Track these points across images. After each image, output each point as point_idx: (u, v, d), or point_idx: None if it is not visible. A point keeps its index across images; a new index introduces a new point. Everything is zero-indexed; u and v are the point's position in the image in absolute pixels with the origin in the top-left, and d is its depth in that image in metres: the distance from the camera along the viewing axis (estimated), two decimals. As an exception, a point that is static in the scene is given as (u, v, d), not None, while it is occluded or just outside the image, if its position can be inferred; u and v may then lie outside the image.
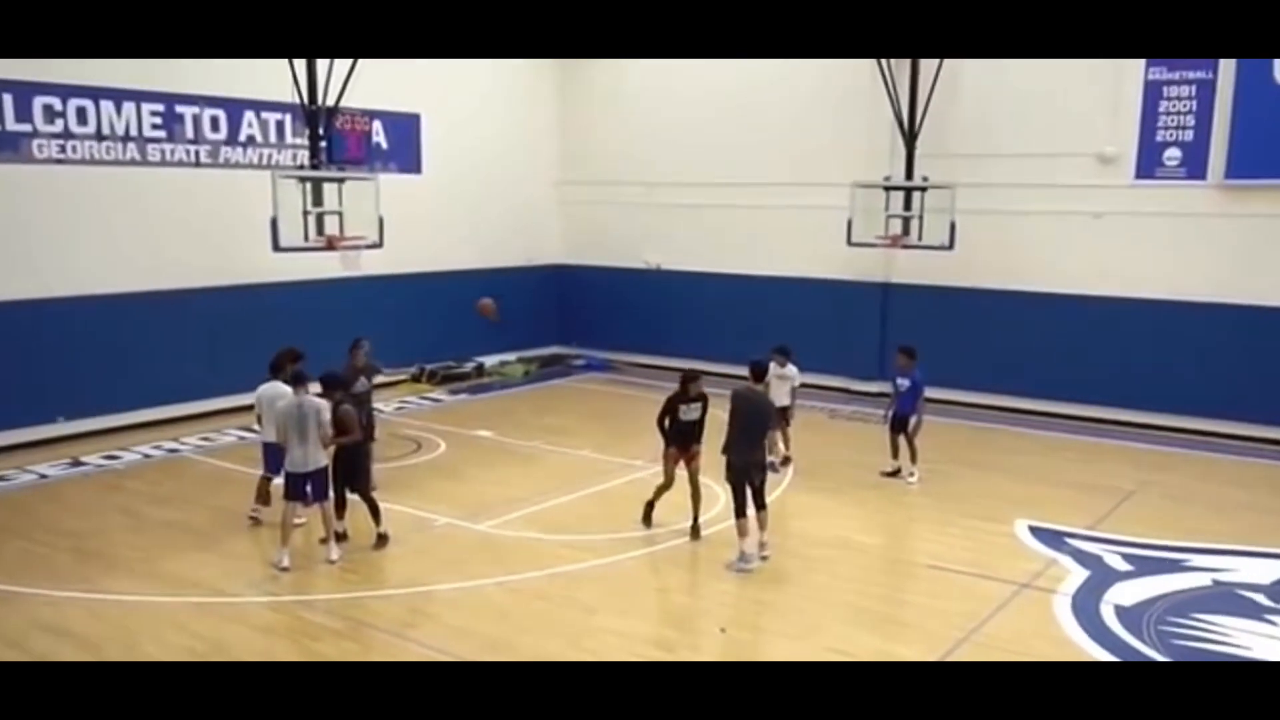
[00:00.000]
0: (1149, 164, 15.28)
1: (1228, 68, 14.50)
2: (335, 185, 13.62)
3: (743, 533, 9.65)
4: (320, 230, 13.46)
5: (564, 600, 8.98)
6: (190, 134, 15.02)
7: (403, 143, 18.07)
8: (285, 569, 9.47)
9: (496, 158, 19.65)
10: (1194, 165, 14.96)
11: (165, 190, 14.72)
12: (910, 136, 16.27)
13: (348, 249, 13.76)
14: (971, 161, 16.05)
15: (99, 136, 14.03)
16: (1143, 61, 15.00)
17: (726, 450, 9.75)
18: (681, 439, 10.34)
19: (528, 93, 20.24)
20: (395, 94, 17.21)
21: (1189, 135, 14.96)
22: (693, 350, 16.71)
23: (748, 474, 9.67)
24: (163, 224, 14.73)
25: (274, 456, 10.27)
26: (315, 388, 9.89)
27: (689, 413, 10.31)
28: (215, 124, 15.32)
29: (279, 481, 10.16)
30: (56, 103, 13.56)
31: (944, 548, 10.39)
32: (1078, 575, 9.64)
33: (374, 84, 15.21)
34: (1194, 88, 14.83)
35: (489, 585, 9.27)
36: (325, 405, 9.68)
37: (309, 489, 9.74)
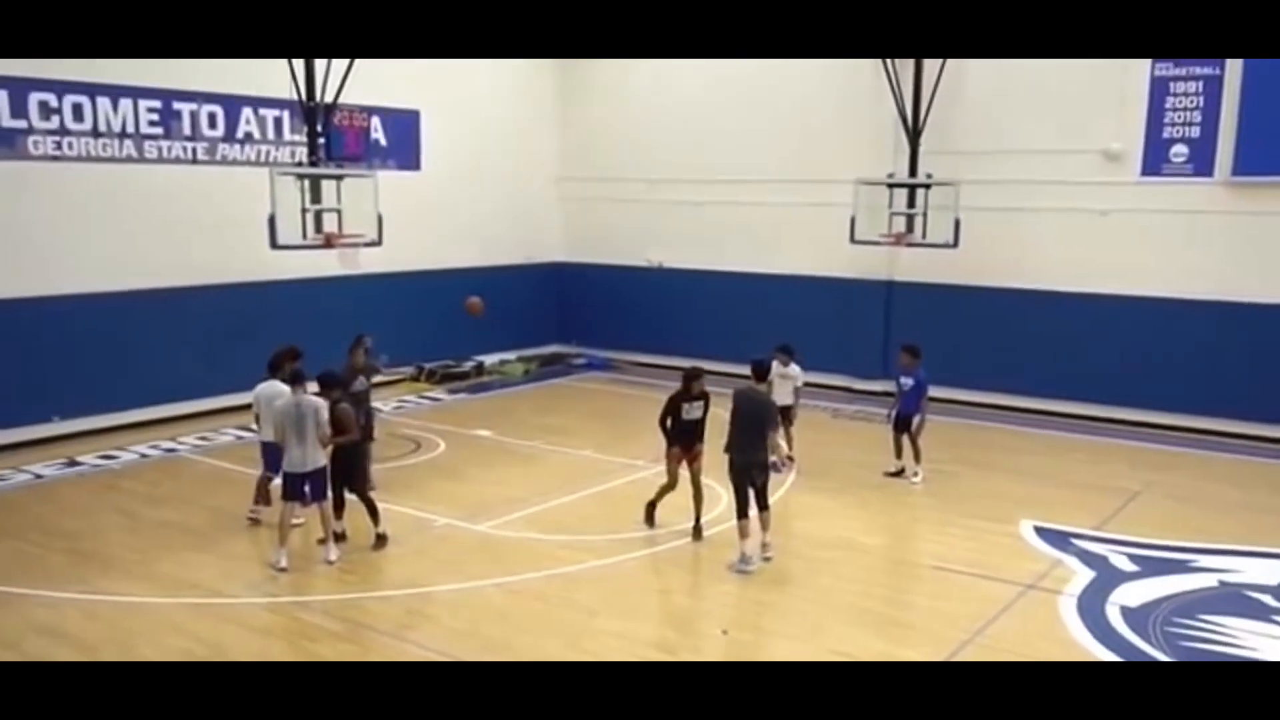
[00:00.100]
0: (1155, 161, 15.26)
1: (1235, 64, 14.49)
2: (334, 182, 13.61)
3: (744, 534, 9.64)
4: (319, 228, 13.45)
5: (564, 601, 8.97)
6: (187, 130, 15.02)
7: (402, 139, 18.06)
8: (283, 570, 9.47)
9: (496, 154, 19.64)
10: (1201, 162, 14.94)
11: (162, 187, 14.71)
12: (914, 133, 16.25)
13: (346, 247, 13.75)
14: (976, 158, 16.03)
15: (95, 133, 14.03)
16: (1149, 57, 15.01)
17: (728, 450, 9.76)
18: (684, 438, 10.33)
19: (528, 89, 20.22)
20: (394, 90, 17.20)
21: (1196, 132, 14.94)
22: (694, 349, 16.68)
23: (749, 474, 9.66)
24: (160, 221, 14.72)
25: (273, 456, 10.25)
26: (314, 387, 9.88)
27: (691, 411, 10.30)
28: (213, 120, 15.31)
29: (279, 481, 10.15)
30: (52, 99, 13.56)
31: (948, 548, 10.38)
32: (1083, 576, 9.64)
33: (373, 80, 15.20)
34: (1201, 84, 14.81)
35: (488, 586, 9.26)
36: (324, 405, 9.68)
37: (307, 489, 9.75)
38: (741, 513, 9.65)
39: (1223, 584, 9.54)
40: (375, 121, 17.58)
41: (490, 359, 19.69)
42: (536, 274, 20.87)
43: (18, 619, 8.45)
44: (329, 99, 13.78)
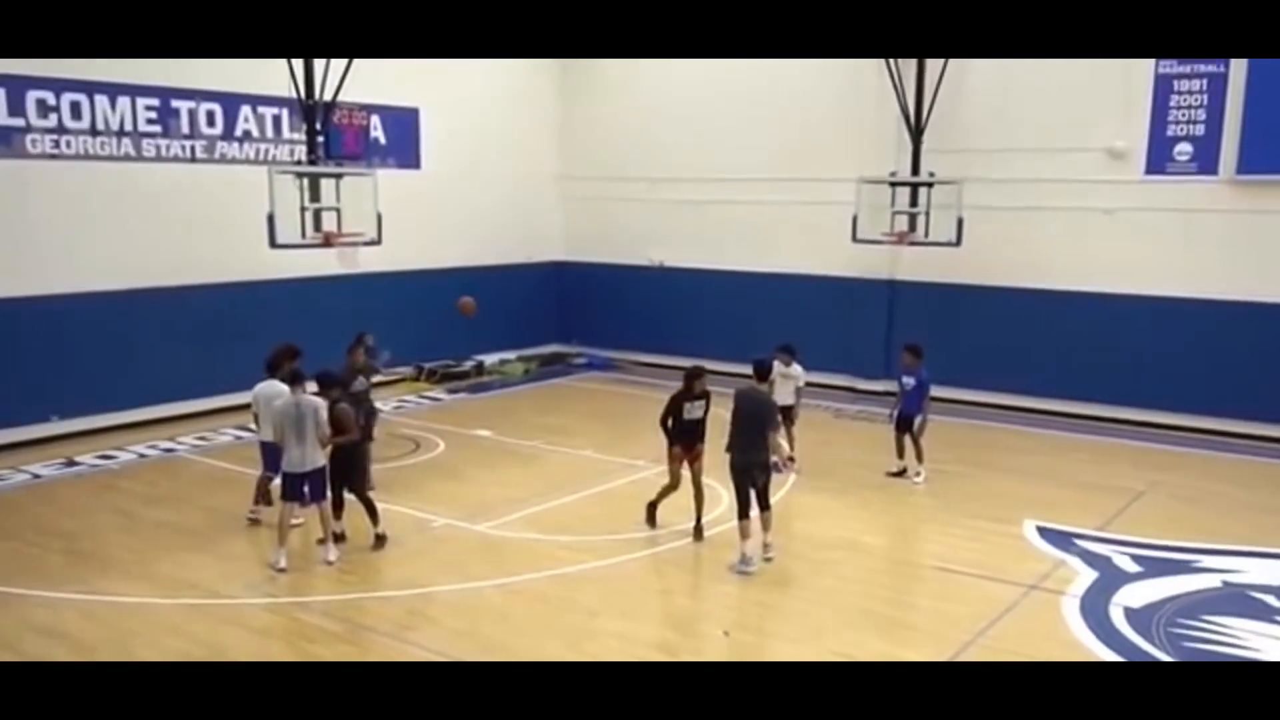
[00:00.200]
0: (1160, 159, 15.27)
1: (1239, 61, 14.48)
2: (333, 181, 13.62)
3: (745, 534, 9.65)
4: (318, 226, 13.46)
5: (564, 602, 8.98)
6: (186, 129, 15.04)
7: (401, 137, 18.08)
8: (282, 570, 9.49)
9: (497, 152, 19.65)
10: (1205, 160, 14.94)
11: (160, 186, 14.73)
12: (917, 131, 16.25)
13: (345, 246, 13.76)
14: (979, 157, 16.04)
15: (93, 131, 14.05)
16: (1153, 55, 15.01)
17: (729, 450, 9.77)
18: (686, 438, 10.34)
19: (529, 86, 20.23)
20: (394, 88, 17.21)
21: (1200, 130, 14.94)
22: (696, 348, 16.69)
23: (750, 474, 9.67)
24: (158, 220, 14.74)
25: (273, 456, 10.26)
26: (313, 386, 9.90)
27: (693, 411, 10.31)
28: (211, 119, 15.33)
29: (279, 481, 10.16)
30: (50, 97, 13.58)
31: (951, 549, 10.39)
32: (1086, 577, 9.65)
33: (372, 78, 15.22)
34: (1205, 81, 14.81)
35: (488, 587, 9.28)
36: (323, 404, 9.69)
37: (306, 489, 9.76)
38: (743, 513, 9.66)
39: (1226, 585, 9.55)
40: (374, 119, 17.60)
41: (490, 358, 19.70)
42: (537, 273, 20.88)
43: (15, 619, 8.47)
44: (328, 97, 13.80)
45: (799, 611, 8.98)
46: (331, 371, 10.33)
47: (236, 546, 10.30)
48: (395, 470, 12.76)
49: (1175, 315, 15.29)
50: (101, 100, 14.06)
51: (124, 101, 14.30)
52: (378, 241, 14.03)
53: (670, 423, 10.33)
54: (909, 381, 12.62)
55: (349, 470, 10.08)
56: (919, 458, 12.64)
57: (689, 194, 19.32)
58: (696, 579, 9.93)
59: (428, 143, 18.44)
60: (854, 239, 16.16)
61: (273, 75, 13.63)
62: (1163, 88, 15.10)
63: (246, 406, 11.23)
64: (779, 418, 10.14)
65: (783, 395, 12.17)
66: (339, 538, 10.03)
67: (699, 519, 10.49)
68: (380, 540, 10.12)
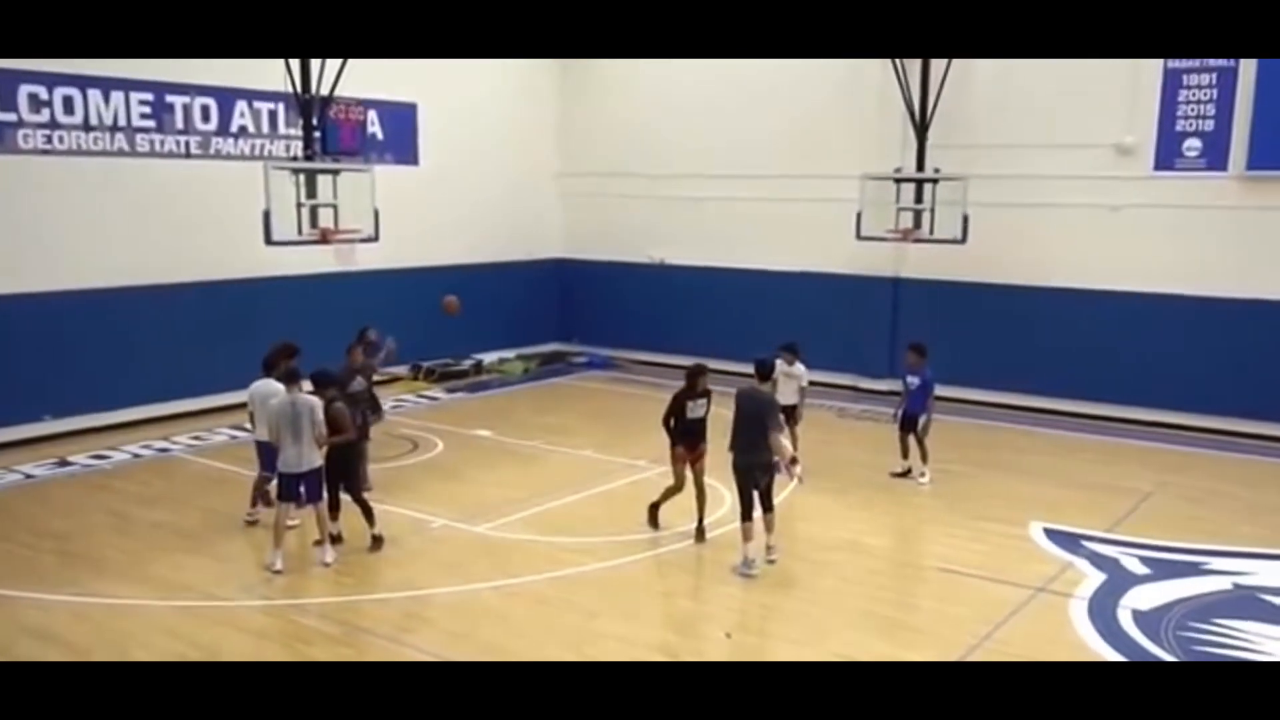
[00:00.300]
0: (1168, 155, 15.25)
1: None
2: (330, 177, 13.62)
3: (748, 536, 9.63)
4: (314, 223, 13.46)
5: (564, 604, 8.97)
6: (180, 124, 15.03)
7: (399, 133, 18.06)
8: (278, 572, 9.47)
9: (496, 148, 19.64)
10: (1215, 156, 14.92)
11: (155, 182, 14.72)
12: (921, 127, 16.23)
13: (342, 243, 13.77)
14: (984, 153, 16.01)
15: (86, 126, 14.04)
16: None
17: (731, 450, 9.75)
18: (689, 438, 10.32)
19: (528, 82, 20.21)
20: (391, 83, 17.20)
21: (1209, 125, 14.92)
22: (697, 347, 16.66)
23: (752, 475, 9.64)
24: (152, 217, 14.73)
25: (270, 456, 10.22)
26: (309, 385, 9.88)
27: (695, 410, 10.29)
28: (206, 114, 15.32)
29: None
30: (42, 91, 13.56)
31: (956, 550, 10.37)
32: (1094, 579, 9.63)
33: (369, 73, 15.21)
34: (1215, 76, 14.79)
35: (487, 589, 9.26)
36: (319, 404, 9.67)
37: (302, 490, 9.74)
38: (746, 515, 9.64)
39: (1237, 587, 9.53)
40: (372, 115, 17.59)
41: (489, 357, 19.70)
42: (536, 270, 20.87)
43: (7, 621, 8.46)
44: (325, 92, 13.79)
45: (801, 613, 8.97)
46: (328, 370, 10.31)
47: (232, 548, 10.29)
48: (393, 470, 12.75)
49: (1184, 313, 15.27)
50: (95, 95, 14.05)
51: (117, 96, 14.28)
52: (375, 238, 14.03)
53: (673, 423, 10.31)
54: (913, 381, 12.60)
55: (344, 470, 10.06)
56: (923, 458, 12.62)
57: (690, 191, 19.30)
58: (698, 580, 9.91)
59: (426, 138, 18.43)
60: (858, 236, 16.14)
61: (268, 70, 13.62)
62: (1172, 83, 15.08)
63: (242, 406, 11.22)
64: (781, 417, 10.10)
65: (786, 395, 12.16)
66: (336, 539, 10.01)
67: (701, 520, 10.47)
68: (377, 541, 10.11)
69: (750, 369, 10.19)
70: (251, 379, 10.75)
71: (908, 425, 12.64)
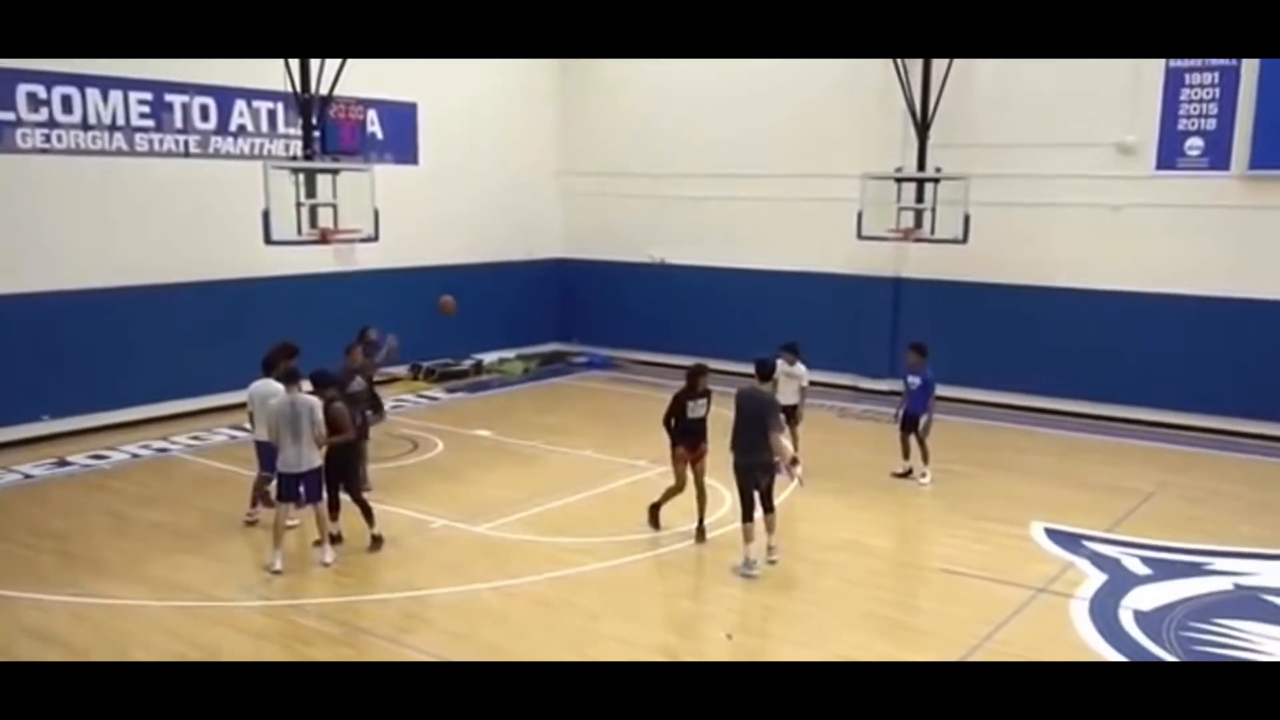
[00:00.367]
0: (1170, 154, 15.26)
1: (1252, 55, 14.50)
2: (329, 176, 13.62)
3: (749, 537, 9.64)
4: (314, 223, 13.46)
5: (565, 605, 8.99)
6: (179, 123, 15.04)
7: (399, 132, 18.08)
8: (278, 572, 9.49)
9: (496, 148, 19.65)
10: (1217, 155, 14.93)
11: (153, 181, 14.74)
12: (923, 126, 16.24)
13: (342, 242, 13.77)
14: (986, 152, 16.02)
15: (85, 125, 14.05)
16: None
17: (732, 450, 9.77)
18: (689, 438, 10.33)
19: (528, 81, 20.22)
20: (391, 82, 17.20)
21: (1212, 124, 14.93)
22: (698, 347, 16.68)
23: (753, 475, 9.65)
24: (151, 216, 14.75)
25: (269, 456, 10.22)
26: (308, 385, 9.90)
27: (696, 410, 10.30)
28: (205, 113, 15.34)
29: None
30: (41, 90, 13.58)
31: (957, 551, 10.39)
32: (1095, 579, 9.64)
33: (369, 72, 15.22)
34: (1217, 74, 14.81)
35: (487, 589, 9.28)
36: (319, 404, 9.68)
37: (302, 490, 9.75)
38: (747, 516, 9.65)
39: (1238, 587, 9.54)
40: (371, 114, 17.61)
41: (489, 357, 19.71)
42: (536, 270, 20.88)
43: (6, 622, 8.47)
44: (324, 91, 13.79)
45: (802, 614, 8.98)
46: (327, 371, 10.32)
47: (231, 548, 10.31)
48: (393, 470, 12.77)
49: (1185, 313, 15.28)
50: (93, 94, 14.07)
51: (116, 95, 14.30)
52: (375, 238, 14.03)
53: (674, 423, 10.32)
54: (914, 381, 12.62)
55: (343, 470, 10.07)
56: (924, 458, 12.64)
57: (691, 190, 19.31)
58: (699, 581, 9.93)
59: (426, 138, 18.44)
60: (859, 236, 16.15)
61: (268, 69, 13.64)
62: (1174, 81, 15.09)
63: (241, 406, 11.23)
64: (781, 417, 10.11)
65: (786, 395, 12.17)
66: (335, 539, 10.03)
67: (701, 520, 10.49)
68: (376, 542, 10.13)
69: (751, 369, 10.20)
70: (251, 379, 10.76)
71: (909, 425, 12.65)
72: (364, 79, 15.28)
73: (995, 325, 16.61)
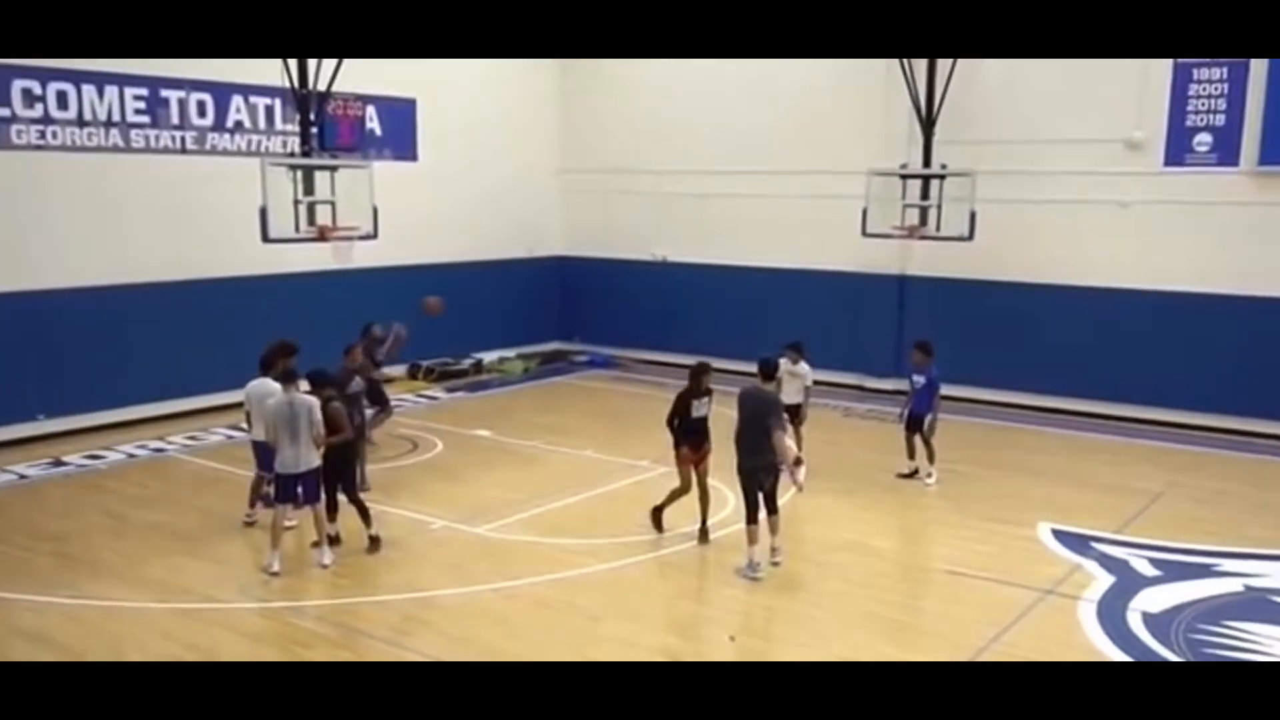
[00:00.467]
0: (1178, 150, 15.24)
1: (1261, 50, 14.45)
2: (327, 173, 13.60)
3: (753, 539, 9.63)
4: (311, 220, 13.43)
5: (566, 607, 8.99)
6: (176, 119, 15.05)
7: (398, 129, 18.08)
8: (276, 574, 9.49)
9: (496, 144, 19.64)
10: (1226, 151, 14.92)
11: (149, 178, 14.74)
12: (928, 122, 16.23)
13: (340, 240, 13.75)
14: (992, 148, 16.00)
15: (80, 122, 14.06)
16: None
17: (736, 451, 9.76)
18: (694, 438, 10.31)
19: (529, 77, 20.21)
20: (390, 78, 17.19)
21: (1221, 120, 14.92)
22: (700, 346, 16.64)
23: (756, 477, 9.64)
24: (147, 213, 14.75)
25: (266, 455, 10.23)
26: (305, 385, 9.89)
27: (700, 409, 10.30)
28: (202, 109, 15.34)
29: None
30: (36, 86, 13.58)
31: (963, 552, 10.38)
32: (1103, 581, 9.63)
33: (368, 68, 15.18)
34: (1226, 70, 14.78)
35: (487, 591, 9.28)
36: (317, 404, 9.67)
37: (300, 490, 9.74)
38: (751, 517, 9.64)
39: (1248, 589, 9.54)
40: (370, 110, 17.61)
41: (489, 356, 19.71)
42: (537, 268, 20.87)
43: (2, 624, 8.48)
44: (322, 87, 13.77)
45: (806, 616, 8.98)
46: (325, 370, 10.31)
47: (228, 549, 10.31)
48: (392, 471, 12.77)
49: (1194, 311, 15.26)
50: (89, 90, 14.07)
51: (112, 91, 14.30)
52: (374, 236, 14.00)
53: (677, 422, 10.31)
54: (919, 380, 12.61)
55: (340, 471, 10.06)
56: (930, 458, 12.63)
57: (693, 187, 19.30)
58: (701, 583, 9.93)
59: (425, 134, 18.44)
60: (863, 233, 16.14)
61: (265, 65, 13.62)
62: (1182, 76, 15.08)
63: (239, 405, 11.21)
64: (784, 417, 10.09)
65: (790, 394, 12.17)
66: (334, 540, 10.04)
67: (704, 521, 10.48)
68: (374, 542, 10.12)
69: (754, 368, 10.19)
70: (248, 378, 10.75)
71: (913, 425, 12.64)
72: (363, 75, 15.27)
73: (1001, 323, 16.59)
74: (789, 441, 9.93)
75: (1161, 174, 15.38)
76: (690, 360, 11.15)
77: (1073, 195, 15.87)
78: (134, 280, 14.58)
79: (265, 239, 12.90)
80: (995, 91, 16.23)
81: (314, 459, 9.71)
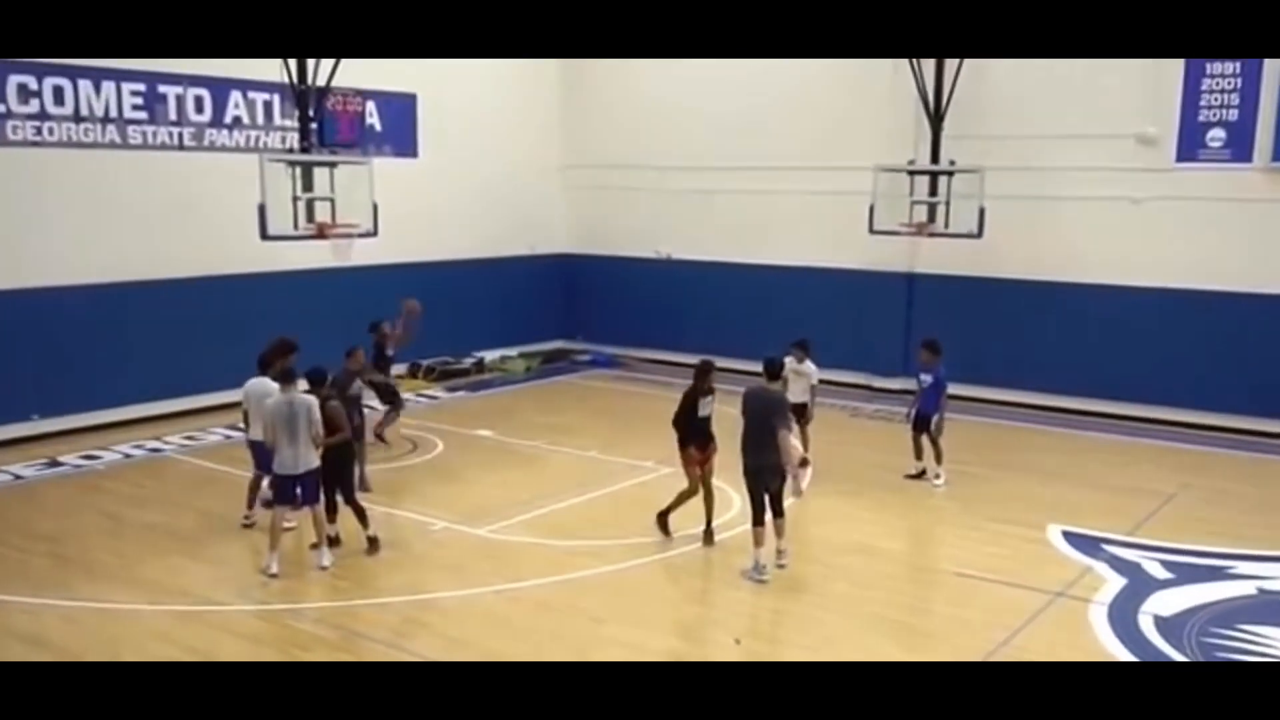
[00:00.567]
0: (1191, 145, 15.22)
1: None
2: (326, 169, 13.63)
3: (759, 541, 9.62)
4: (310, 217, 13.46)
5: (569, 609, 8.99)
6: (173, 115, 15.06)
7: (398, 124, 18.09)
8: (274, 575, 9.49)
9: (498, 140, 19.64)
10: (1239, 147, 14.89)
11: (146, 175, 14.76)
12: (936, 117, 16.22)
13: (340, 237, 13.77)
14: (1002, 143, 15.99)
15: (77, 118, 14.07)
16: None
17: (741, 452, 9.74)
18: (700, 438, 10.30)
19: (531, 72, 20.19)
20: (390, 73, 17.16)
21: (1234, 115, 14.90)
22: (705, 345, 16.62)
23: (762, 478, 9.63)
24: (144, 210, 14.76)
25: (264, 455, 10.23)
26: (304, 384, 9.90)
27: (705, 407, 10.30)
28: (199, 104, 15.35)
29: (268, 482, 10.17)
30: (32, 81, 13.60)
31: (972, 554, 10.37)
32: (1114, 583, 9.62)
33: (367, 62, 15.17)
34: (1239, 65, 14.76)
35: (489, 593, 9.28)
36: (316, 403, 9.67)
37: (299, 491, 9.74)
38: (757, 519, 9.63)
39: (1262, 592, 9.52)
40: (370, 106, 17.62)
41: (491, 355, 19.71)
42: (540, 266, 20.87)
43: (-3, 626, 8.51)
44: (321, 82, 13.79)
45: (813, 619, 8.97)
46: (323, 369, 10.29)
47: (226, 551, 10.32)
48: (393, 471, 12.78)
49: (1207, 309, 15.23)
50: (85, 85, 14.08)
51: (109, 86, 14.32)
52: (373, 233, 14.02)
53: (684, 422, 10.29)
54: (926, 379, 12.59)
55: (337, 471, 10.05)
56: (938, 459, 12.61)
57: (698, 183, 19.30)
58: (707, 585, 9.93)
59: (425, 130, 18.44)
60: (871, 230, 16.13)
61: (264, 60, 13.63)
62: (1194, 71, 15.05)
63: (237, 405, 11.22)
64: (790, 417, 10.07)
65: (795, 393, 12.14)
66: (334, 542, 10.04)
67: (709, 523, 10.47)
68: (373, 543, 10.12)
69: (758, 367, 10.17)
70: (246, 377, 10.76)
71: (921, 425, 12.62)
72: (362, 70, 15.25)
73: (1011, 322, 16.58)
74: (794, 442, 9.91)
75: (1174, 170, 15.35)
76: (694, 359, 11.12)
77: (1083, 192, 15.85)
78: (131, 278, 14.59)
79: (264, 236, 12.93)
80: (1005, 86, 16.20)
81: (313, 459, 9.70)
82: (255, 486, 10.84)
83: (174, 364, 15.01)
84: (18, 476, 12.57)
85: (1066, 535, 10.88)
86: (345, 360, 11.50)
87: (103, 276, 14.32)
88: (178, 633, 8.41)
